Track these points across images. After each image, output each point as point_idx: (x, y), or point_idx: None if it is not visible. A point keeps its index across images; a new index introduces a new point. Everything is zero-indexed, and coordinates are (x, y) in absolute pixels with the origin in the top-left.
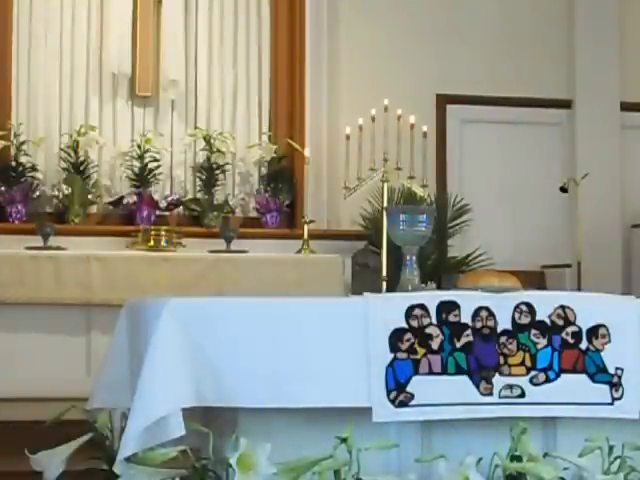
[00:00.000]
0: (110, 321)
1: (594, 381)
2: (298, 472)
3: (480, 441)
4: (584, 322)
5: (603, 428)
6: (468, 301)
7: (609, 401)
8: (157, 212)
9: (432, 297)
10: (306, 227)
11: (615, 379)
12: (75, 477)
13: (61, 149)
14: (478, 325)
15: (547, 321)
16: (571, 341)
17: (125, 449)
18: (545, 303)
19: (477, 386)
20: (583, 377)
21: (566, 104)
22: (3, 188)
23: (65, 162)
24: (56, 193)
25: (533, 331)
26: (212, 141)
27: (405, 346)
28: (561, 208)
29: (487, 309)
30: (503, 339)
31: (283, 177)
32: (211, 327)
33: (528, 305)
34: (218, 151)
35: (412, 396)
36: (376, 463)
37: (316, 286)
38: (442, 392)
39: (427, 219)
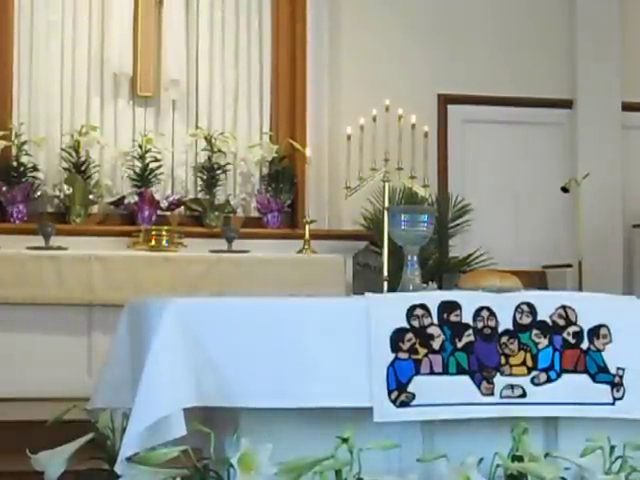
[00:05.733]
0: (111, 321)
1: (595, 381)
2: (299, 472)
3: (481, 441)
4: (585, 322)
5: (604, 428)
6: (469, 301)
7: (610, 401)
8: (158, 212)
9: (433, 297)
10: (307, 227)
11: (616, 379)
12: (76, 477)
13: (62, 149)
14: (479, 325)
15: (548, 321)
16: (572, 341)
17: (126, 449)
18: (546, 303)
19: (478, 386)
20: (584, 377)
21: (567, 104)
22: (4, 188)
23: (66, 162)
24: (57, 193)
25: (534, 331)
26: (213, 141)
27: (406, 346)
28: (562, 208)
29: (488, 309)
30: (504, 339)
31: (284, 177)
32: (212, 327)
33: (529, 305)
34: (219, 151)
35: (413, 396)
36: (377, 463)
37: (317, 286)
38: (443, 392)
39: (428, 219)
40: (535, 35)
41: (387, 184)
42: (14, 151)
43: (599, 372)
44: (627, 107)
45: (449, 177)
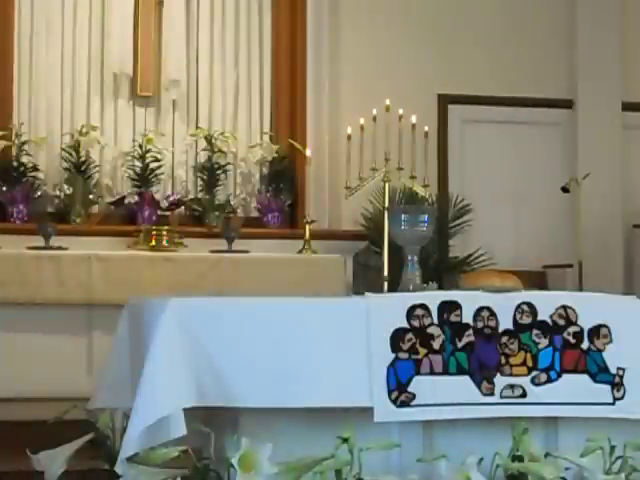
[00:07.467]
0: (111, 321)
1: (595, 381)
2: (299, 472)
3: (481, 441)
4: (585, 322)
5: (604, 428)
6: (469, 301)
7: (610, 401)
8: (158, 212)
9: (433, 297)
10: (307, 227)
11: (617, 379)
12: (76, 477)
13: (62, 149)
14: (479, 325)
15: (548, 321)
16: (572, 341)
17: (126, 449)
18: (546, 303)
19: (478, 386)
20: (584, 377)
21: (567, 104)
22: (5, 188)
23: (66, 162)
24: (57, 193)
25: (535, 331)
26: (213, 141)
27: (406, 346)
28: (562, 208)
29: (488, 309)
30: (504, 339)
31: (284, 177)
32: (212, 327)
33: (529, 305)
34: (219, 151)
35: (413, 396)
36: (378, 463)
37: (317, 286)
38: (443, 392)
39: (428, 219)
40: (535, 35)
41: (387, 184)
42: (14, 151)
43: (599, 372)
44: (627, 107)
45: (449, 177)
